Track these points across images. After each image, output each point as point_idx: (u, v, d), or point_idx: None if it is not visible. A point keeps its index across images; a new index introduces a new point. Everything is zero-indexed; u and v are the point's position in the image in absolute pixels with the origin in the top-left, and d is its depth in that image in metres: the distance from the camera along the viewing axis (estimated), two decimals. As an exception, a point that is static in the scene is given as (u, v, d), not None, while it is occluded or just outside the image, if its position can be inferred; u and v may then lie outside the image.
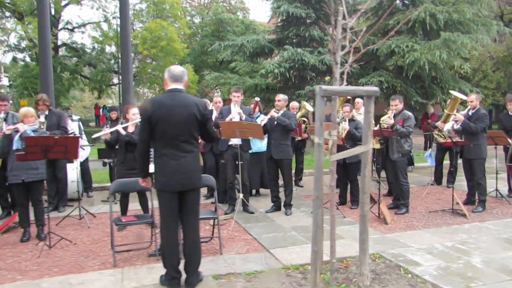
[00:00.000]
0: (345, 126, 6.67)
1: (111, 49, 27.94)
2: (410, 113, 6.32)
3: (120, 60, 10.04)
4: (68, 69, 25.40)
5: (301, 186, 8.75)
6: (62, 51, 27.63)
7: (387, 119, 6.29)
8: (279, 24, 14.73)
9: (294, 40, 14.22)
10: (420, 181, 9.09)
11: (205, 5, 32.09)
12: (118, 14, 26.22)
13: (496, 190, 7.33)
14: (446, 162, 8.76)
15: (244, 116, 6.22)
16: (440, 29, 12.48)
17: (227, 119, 6.30)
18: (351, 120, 6.77)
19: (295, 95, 13.50)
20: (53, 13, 25.90)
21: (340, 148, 6.80)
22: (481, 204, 6.53)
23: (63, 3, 26.48)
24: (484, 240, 5.04)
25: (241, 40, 14.25)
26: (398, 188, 6.55)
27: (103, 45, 24.62)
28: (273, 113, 6.39)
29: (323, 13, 13.89)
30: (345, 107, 6.83)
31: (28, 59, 25.39)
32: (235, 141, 6.33)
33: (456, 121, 6.61)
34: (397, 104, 6.34)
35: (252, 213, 6.47)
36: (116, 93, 28.21)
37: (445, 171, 8.66)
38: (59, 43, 26.67)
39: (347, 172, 6.83)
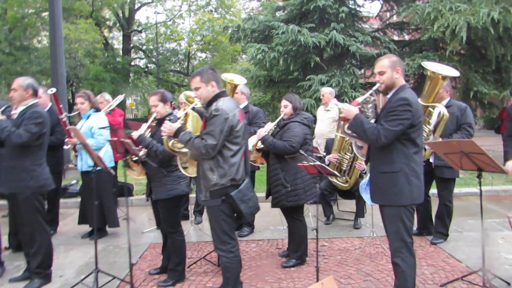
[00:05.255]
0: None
1: (181, 49, 27.10)
2: (220, 108, 2.94)
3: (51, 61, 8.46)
4: (133, 70, 25.17)
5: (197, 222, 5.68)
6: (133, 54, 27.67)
7: (167, 124, 3.06)
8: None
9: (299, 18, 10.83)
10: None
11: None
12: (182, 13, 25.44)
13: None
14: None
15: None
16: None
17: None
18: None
19: (299, 89, 10.18)
20: (126, 16, 26.04)
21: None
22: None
23: (136, 6, 26.47)
24: None
25: (240, 21, 11.39)
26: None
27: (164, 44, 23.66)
28: None
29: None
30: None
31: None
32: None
33: (343, 120, 3.00)
34: (197, 85, 3.06)
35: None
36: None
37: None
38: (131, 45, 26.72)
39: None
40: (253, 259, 4.25)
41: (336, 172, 3.13)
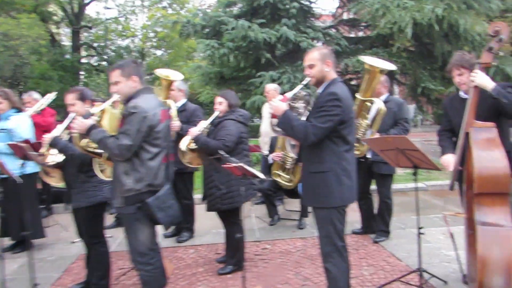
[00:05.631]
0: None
1: (134, 46, 26.20)
2: (138, 106, 2.64)
3: None
4: (84, 68, 24.08)
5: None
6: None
7: (78, 120, 2.74)
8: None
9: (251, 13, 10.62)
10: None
11: None
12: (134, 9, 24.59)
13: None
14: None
15: None
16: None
17: None
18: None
19: (250, 86, 10.02)
20: (75, 11, 24.82)
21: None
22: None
23: (86, 1, 25.30)
24: None
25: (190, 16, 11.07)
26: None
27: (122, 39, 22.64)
28: None
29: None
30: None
31: None
32: None
33: (273, 116, 2.80)
34: (117, 79, 2.76)
35: None
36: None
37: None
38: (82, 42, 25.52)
39: None
40: (189, 266, 3.99)
41: (258, 173, 2.92)
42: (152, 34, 22.56)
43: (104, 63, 25.10)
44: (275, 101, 2.72)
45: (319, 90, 2.75)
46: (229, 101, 3.81)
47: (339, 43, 10.37)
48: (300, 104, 2.90)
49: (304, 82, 2.77)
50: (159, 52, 25.64)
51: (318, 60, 2.70)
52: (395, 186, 6.87)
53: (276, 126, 2.74)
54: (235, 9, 11.36)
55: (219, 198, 3.65)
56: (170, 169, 2.86)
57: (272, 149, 5.33)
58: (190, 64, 14.27)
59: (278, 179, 5.06)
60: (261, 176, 2.92)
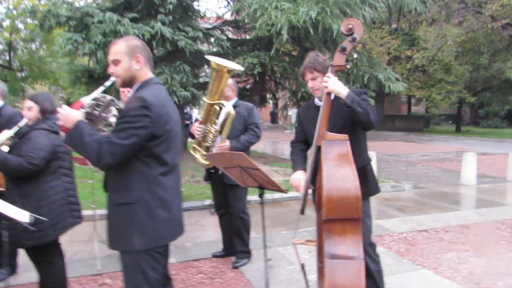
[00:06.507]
0: None
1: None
2: None
3: None
4: None
5: None
6: None
7: None
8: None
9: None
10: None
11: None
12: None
13: None
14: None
15: None
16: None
17: None
18: None
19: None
20: None
21: None
22: None
23: None
24: None
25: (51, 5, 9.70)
26: None
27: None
28: None
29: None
30: None
31: None
32: None
33: (62, 129, 2.06)
34: None
35: None
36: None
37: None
38: None
39: None
40: (-11, 320, 3.05)
41: (21, 218, 2.16)
42: (21, 25, 19.92)
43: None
44: (64, 108, 1.99)
45: (129, 94, 2.09)
46: (41, 106, 2.97)
47: (222, 44, 9.89)
48: (110, 114, 2.20)
49: (108, 83, 2.09)
50: (33, 46, 22.84)
51: (124, 54, 2.04)
52: (270, 196, 6.55)
53: (65, 142, 2.01)
54: (106, 1, 10.28)
55: (23, 232, 2.78)
56: None
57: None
58: (59, 60, 12.67)
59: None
60: (24, 220, 2.14)
